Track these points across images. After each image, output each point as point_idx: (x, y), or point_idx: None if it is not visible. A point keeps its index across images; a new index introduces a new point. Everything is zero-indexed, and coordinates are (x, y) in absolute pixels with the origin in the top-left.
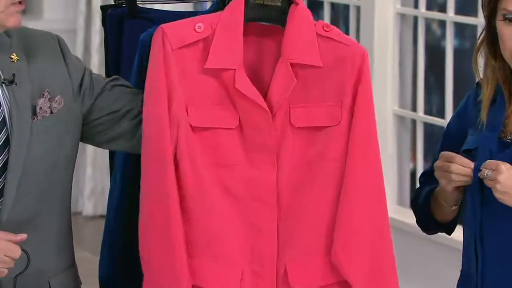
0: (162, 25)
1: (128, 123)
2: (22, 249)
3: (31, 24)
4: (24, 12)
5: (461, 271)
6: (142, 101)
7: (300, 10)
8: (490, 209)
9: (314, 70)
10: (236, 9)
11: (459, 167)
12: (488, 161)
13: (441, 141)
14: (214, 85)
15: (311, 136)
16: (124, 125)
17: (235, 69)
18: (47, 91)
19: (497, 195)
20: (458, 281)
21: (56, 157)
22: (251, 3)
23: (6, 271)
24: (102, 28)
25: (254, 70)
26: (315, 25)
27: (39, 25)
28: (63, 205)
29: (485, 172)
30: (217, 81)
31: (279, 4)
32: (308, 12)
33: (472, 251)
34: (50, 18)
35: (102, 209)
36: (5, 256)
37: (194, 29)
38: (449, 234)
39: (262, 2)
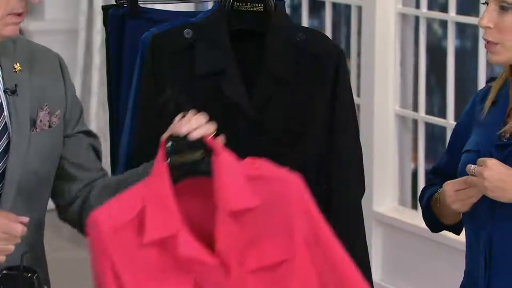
0: (93, 214)
1: (77, 186)
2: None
3: (33, 24)
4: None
5: (465, 271)
6: (100, 176)
7: (222, 160)
8: (499, 212)
9: (253, 211)
10: (160, 174)
11: (473, 190)
12: (480, 158)
13: (450, 138)
14: (160, 256)
15: (271, 276)
16: (77, 184)
17: (176, 234)
18: (46, 105)
19: (489, 193)
20: (462, 281)
21: (48, 171)
22: (172, 164)
23: (11, 247)
24: (104, 28)
25: (197, 225)
26: (242, 166)
27: (41, 25)
28: (43, 219)
29: (471, 168)
30: (162, 251)
31: (199, 158)
32: (231, 158)
33: (478, 252)
34: (51, 18)
35: None
36: (5, 233)
37: (127, 207)
38: (458, 234)
39: (181, 160)
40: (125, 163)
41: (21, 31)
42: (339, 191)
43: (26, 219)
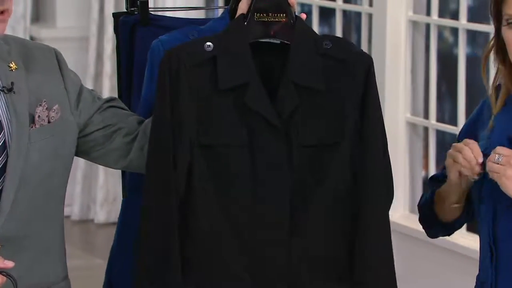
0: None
1: (120, 139)
2: (8, 275)
3: (44, 32)
4: (37, 20)
5: (477, 277)
6: (137, 122)
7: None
8: (503, 213)
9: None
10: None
11: (468, 154)
12: (498, 147)
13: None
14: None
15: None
16: (116, 141)
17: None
18: (44, 101)
19: (503, 180)
20: None
21: (52, 167)
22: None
23: None
24: (115, 36)
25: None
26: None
27: (52, 33)
28: (57, 216)
29: (496, 156)
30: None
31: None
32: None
33: (487, 258)
34: (63, 26)
35: (115, 216)
36: None
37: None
38: (449, 234)
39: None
40: (130, 174)
41: (32, 39)
42: (369, 198)
43: (11, 263)
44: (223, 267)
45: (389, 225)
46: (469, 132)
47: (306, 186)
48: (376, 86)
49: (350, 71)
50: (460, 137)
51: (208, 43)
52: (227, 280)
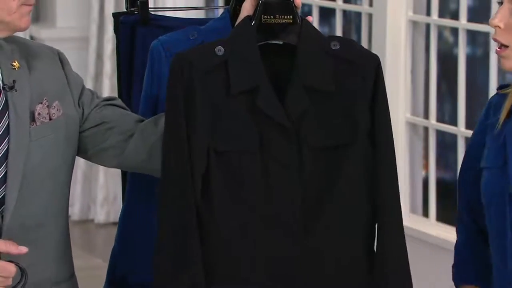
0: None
1: (115, 137)
2: (18, 266)
3: (44, 32)
4: (37, 20)
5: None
6: (134, 121)
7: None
8: None
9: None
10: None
11: None
12: None
13: (468, 149)
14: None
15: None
16: (111, 138)
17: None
18: (45, 98)
19: None
20: None
21: (55, 164)
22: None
23: (7, 283)
24: (115, 36)
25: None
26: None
27: (52, 33)
28: (62, 213)
29: None
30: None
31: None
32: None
33: (507, 276)
34: (63, 26)
35: (115, 216)
36: None
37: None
38: None
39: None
40: (131, 174)
41: (32, 39)
42: (390, 206)
43: (25, 249)
44: (239, 270)
45: (403, 225)
46: (482, 137)
47: (318, 188)
48: (384, 86)
49: (359, 72)
50: (472, 146)
51: (219, 47)
52: (242, 283)
